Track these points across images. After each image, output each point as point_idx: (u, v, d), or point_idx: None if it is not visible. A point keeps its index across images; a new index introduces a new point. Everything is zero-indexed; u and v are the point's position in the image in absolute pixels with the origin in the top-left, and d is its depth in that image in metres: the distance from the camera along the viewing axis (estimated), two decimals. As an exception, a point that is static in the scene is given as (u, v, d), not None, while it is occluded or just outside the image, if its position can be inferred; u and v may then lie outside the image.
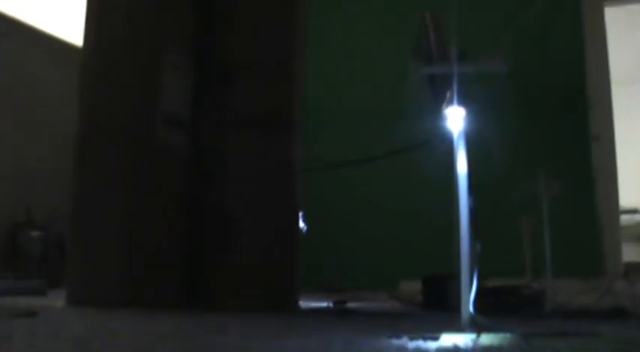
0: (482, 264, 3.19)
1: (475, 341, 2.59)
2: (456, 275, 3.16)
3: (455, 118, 3.12)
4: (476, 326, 2.98)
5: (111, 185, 5.00)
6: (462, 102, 3.14)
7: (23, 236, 8.32)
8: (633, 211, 10.97)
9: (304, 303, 5.49)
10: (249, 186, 5.15)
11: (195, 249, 5.09)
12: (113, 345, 2.59)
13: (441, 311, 4.61)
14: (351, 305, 5.74)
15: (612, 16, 8.61)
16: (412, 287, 6.11)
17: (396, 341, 2.59)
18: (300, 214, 5.58)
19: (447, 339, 2.63)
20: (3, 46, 8.88)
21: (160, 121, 5.07)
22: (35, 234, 8.31)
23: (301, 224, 5.73)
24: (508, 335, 2.79)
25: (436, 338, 2.62)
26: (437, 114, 3.26)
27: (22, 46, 9.27)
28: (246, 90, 5.28)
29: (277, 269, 5.11)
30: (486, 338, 2.70)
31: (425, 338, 2.59)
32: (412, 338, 2.61)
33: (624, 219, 9.04)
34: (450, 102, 3.12)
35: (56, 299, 5.35)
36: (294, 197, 5.38)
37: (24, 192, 8.61)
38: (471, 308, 3.07)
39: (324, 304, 5.75)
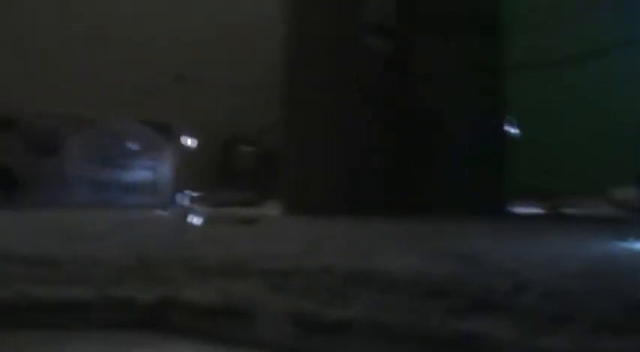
0: None
1: None
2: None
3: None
4: None
5: (318, 96, 5.11)
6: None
7: (235, 150, 8.73)
8: None
9: (515, 208, 5.39)
10: (452, 88, 5.08)
11: (400, 152, 5.12)
12: (339, 246, 2.66)
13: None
14: (565, 210, 5.58)
15: None
16: (628, 191, 5.85)
17: (623, 244, 2.50)
18: (510, 116, 5.44)
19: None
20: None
21: (363, 29, 5.09)
22: (246, 148, 8.69)
23: (510, 126, 5.60)
24: None
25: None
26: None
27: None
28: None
29: (483, 172, 5.04)
30: None
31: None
32: (640, 240, 2.49)
33: None
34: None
35: (270, 209, 5.59)
36: (497, 98, 5.26)
37: (235, 108, 8.97)
38: None
39: (537, 209, 5.63)
